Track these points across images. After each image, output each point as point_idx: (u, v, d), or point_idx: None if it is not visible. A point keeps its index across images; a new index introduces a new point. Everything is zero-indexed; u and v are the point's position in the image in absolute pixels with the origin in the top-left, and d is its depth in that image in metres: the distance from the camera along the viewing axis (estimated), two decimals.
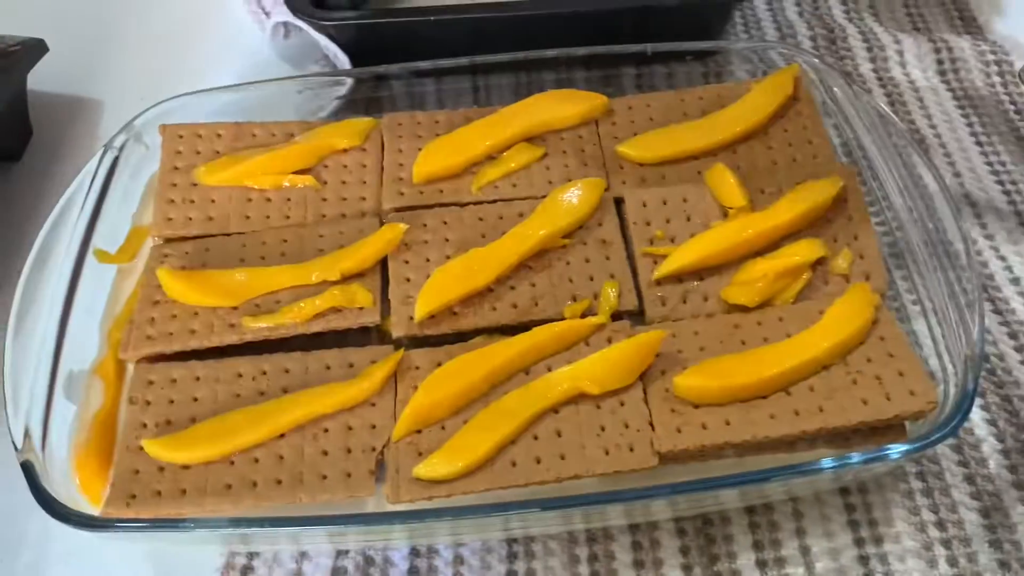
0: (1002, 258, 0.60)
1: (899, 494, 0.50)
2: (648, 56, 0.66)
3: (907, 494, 0.50)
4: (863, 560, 0.48)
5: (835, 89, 0.60)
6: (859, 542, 0.49)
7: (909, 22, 0.77)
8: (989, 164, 0.66)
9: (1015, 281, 0.59)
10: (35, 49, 0.71)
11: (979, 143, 0.67)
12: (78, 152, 0.71)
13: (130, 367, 0.52)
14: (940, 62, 0.72)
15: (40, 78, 0.73)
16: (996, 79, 0.71)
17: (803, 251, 0.52)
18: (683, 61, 0.67)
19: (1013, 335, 0.56)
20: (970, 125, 0.68)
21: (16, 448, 0.46)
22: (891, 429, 0.48)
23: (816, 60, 0.61)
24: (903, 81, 0.71)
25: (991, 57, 0.72)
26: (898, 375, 0.47)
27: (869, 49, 0.73)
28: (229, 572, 0.49)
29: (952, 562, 0.48)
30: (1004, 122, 0.68)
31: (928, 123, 0.69)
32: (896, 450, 0.44)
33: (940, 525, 0.49)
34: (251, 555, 0.50)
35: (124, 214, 0.59)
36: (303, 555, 0.50)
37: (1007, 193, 0.64)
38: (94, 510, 0.46)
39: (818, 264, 0.53)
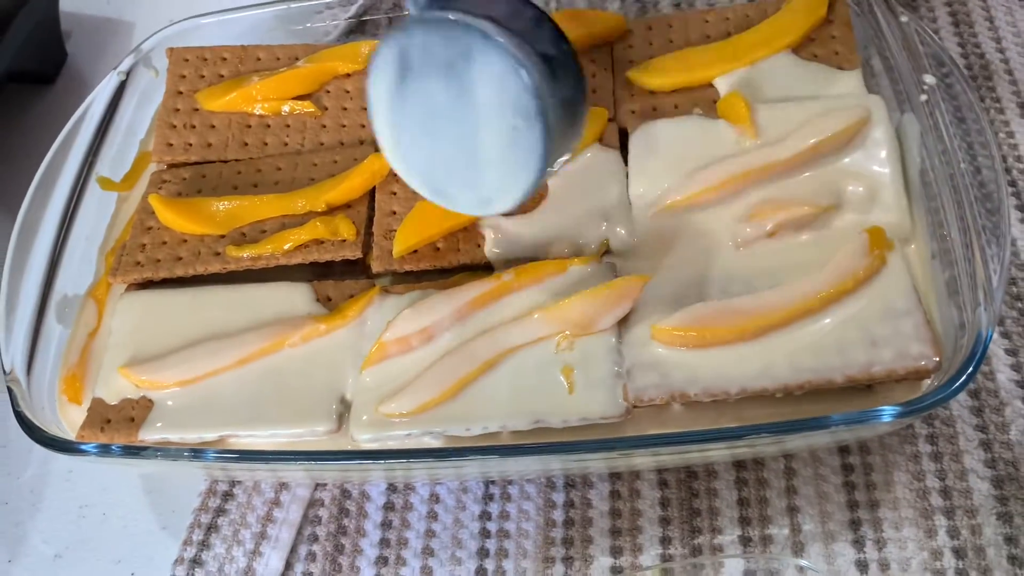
0: None
1: (904, 457, 0.47)
2: None
3: (913, 457, 0.47)
4: (854, 525, 0.45)
5: (876, 11, 0.53)
6: (852, 505, 0.46)
7: None
8: None
9: None
10: None
11: None
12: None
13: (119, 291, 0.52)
14: None
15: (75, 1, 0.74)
16: None
17: (815, 197, 0.47)
18: None
19: None
20: None
21: (4, 373, 0.47)
22: (900, 384, 0.43)
23: None
24: None
25: None
26: (898, 330, 0.42)
27: None
28: (210, 497, 0.50)
29: (953, 533, 0.44)
30: None
31: (996, 46, 0.61)
32: (885, 413, 0.40)
33: (945, 493, 0.45)
34: (232, 483, 0.51)
35: (132, 140, 0.59)
36: (282, 485, 0.50)
37: None
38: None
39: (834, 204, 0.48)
